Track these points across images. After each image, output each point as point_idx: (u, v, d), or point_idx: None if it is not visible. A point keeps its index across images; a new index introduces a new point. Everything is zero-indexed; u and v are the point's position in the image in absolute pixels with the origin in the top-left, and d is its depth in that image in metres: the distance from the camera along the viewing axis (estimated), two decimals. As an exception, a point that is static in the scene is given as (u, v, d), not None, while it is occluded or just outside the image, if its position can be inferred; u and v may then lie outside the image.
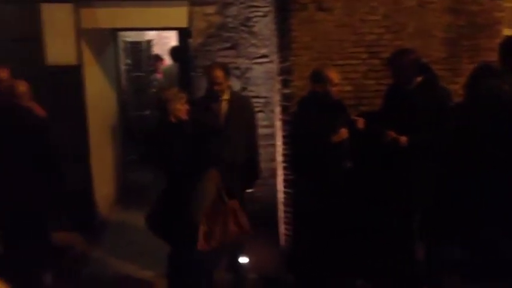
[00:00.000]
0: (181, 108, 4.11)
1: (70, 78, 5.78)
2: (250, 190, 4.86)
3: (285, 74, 4.71)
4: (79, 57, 5.79)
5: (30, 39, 5.72)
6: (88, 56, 6.14)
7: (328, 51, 4.60)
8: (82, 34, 5.81)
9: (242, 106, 4.65)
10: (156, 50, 9.85)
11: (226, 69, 4.58)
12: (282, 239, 5.06)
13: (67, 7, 5.66)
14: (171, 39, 10.93)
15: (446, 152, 4.05)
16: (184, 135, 4.21)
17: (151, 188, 6.26)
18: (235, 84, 5.60)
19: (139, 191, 7.25)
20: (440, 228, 4.29)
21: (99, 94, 6.63)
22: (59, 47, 5.72)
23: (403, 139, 4.01)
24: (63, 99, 5.69)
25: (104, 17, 5.87)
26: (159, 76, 8.96)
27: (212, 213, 4.04)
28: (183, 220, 4.02)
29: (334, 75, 4.22)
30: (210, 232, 3.98)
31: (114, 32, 7.39)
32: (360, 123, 4.22)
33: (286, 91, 4.72)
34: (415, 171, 4.09)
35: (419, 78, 4.10)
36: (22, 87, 4.47)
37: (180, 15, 5.81)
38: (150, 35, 9.84)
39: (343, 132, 4.20)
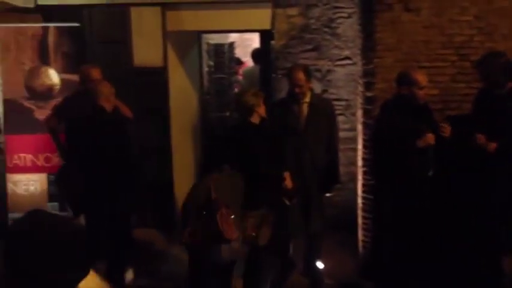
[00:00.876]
0: (263, 107, 4.13)
1: (155, 79, 5.96)
2: (329, 194, 4.78)
3: (368, 76, 4.61)
4: (164, 59, 5.96)
5: (119, 42, 5.95)
6: (173, 58, 6.31)
7: (414, 52, 4.45)
8: (168, 36, 5.98)
9: (323, 109, 4.59)
10: (238, 52, 9.95)
11: (308, 71, 4.53)
12: (360, 245, 4.94)
13: (155, 10, 5.84)
14: (253, 41, 11.02)
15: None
16: (263, 137, 4.22)
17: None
18: (317, 87, 5.53)
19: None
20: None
21: (182, 95, 6.79)
22: (146, 49, 5.92)
23: (492, 146, 3.80)
24: (148, 100, 5.87)
25: (189, 20, 6.01)
26: (240, 78, 9.05)
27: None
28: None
29: (421, 78, 4.06)
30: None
31: (198, 34, 7.55)
32: (447, 131, 4.02)
33: (369, 94, 4.62)
34: (502, 178, 3.86)
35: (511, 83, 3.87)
36: (107, 88, 4.63)
37: (262, 17, 5.83)
38: (233, 37, 9.96)
39: (429, 138, 4.03)
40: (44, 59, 5.72)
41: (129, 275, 4.92)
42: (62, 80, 5.67)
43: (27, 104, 5.69)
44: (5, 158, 5.69)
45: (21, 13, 5.91)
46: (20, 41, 5.72)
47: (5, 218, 5.63)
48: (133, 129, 5.10)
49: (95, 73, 4.81)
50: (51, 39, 5.72)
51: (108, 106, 4.48)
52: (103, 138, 4.42)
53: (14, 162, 5.70)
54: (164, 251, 5.65)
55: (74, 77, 5.64)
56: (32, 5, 5.94)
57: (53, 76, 5.69)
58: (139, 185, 5.09)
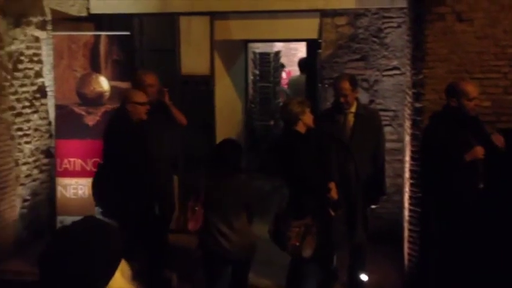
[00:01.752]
0: (309, 116, 4.11)
1: (202, 87, 6.03)
2: (374, 206, 4.71)
3: (418, 86, 4.53)
4: (211, 68, 6.02)
5: (167, 50, 6.07)
6: (219, 67, 6.38)
7: (466, 63, 4.35)
8: (215, 45, 6.04)
9: (369, 119, 4.53)
10: (284, 60, 9.99)
11: (354, 81, 4.49)
12: (406, 258, 4.84)
13: (203, 19, 5.92)
14: (299, 50, 11.06)
15: None
16: (309, 146, 4.20)
17: (274, 198, 6.31)
18: (363, 97, 5.48)
19: (262, 199, 7.33)
20: None
21: (228, 103, 6.85)
22: (193, 57, 6.01)
23: None
24: (194, 108, 5.94)
25: (236, 29, 6.07)
26: (285, 87, 9.08)
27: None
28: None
29: (471, 89, 3.96)
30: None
31: (244, 44, 7.62)
32: (500, 140, 3.91)
33: (418, 105, 4.54)
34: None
35: None
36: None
37: (310, 26, 5.83)
38: (278, 46, 10.01)
39: (478, 151, 3.92)
40: (95, 67, 5.86)
41: (174, 281, 4.96)
42: (112, 87, 5.80)
43: (78, 109, 5.83)
44: (55, 162, 5.86)
45: (75, 22, 6.10)
46: (72, 48, 5.89)
47: (54, 221, 5.79)
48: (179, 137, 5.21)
49: (152, 79, 4.90)
50: (102, 47, 5.86)
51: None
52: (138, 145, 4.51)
53: (64, 166, 5.84)
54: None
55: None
56: (85, 14, 6.13)
57: (103, 83, 5.82)
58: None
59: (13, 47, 5.29)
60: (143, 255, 4.60)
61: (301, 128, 4.15)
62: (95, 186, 4.69)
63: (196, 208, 3.96)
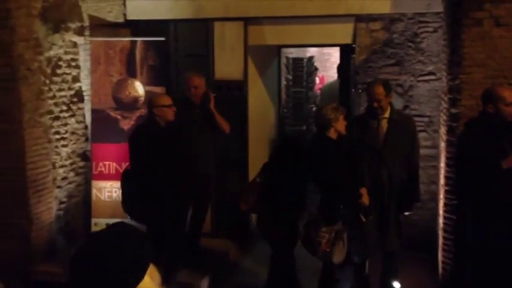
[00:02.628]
0: (342, 123, 4.09)
1: (235, 92, 6.06)
2: (408, 213, 4.65)
3: (454, 92, 4.46)
4: (245, 73, 6.05)
5: (201, 55, 6.12)
6: (253, 72, 6.40)
7: (504, 69, 4.27)
8: (249, 50, 6.07)
9: (403, 125, 4.48)
10: (317, 65, 9.97)
11: (388, 86, 4.45)
12: (440, 266, 4.76)
13: (238, 25, 5.96)
14: (332, 55, 11.02)
15: None
16: (340, 152, 4.18)
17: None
18: (398, 102, 5.42)
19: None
20: None
21: (260, 108, 6.86)
22: (227, 62, 6.05)
23: None
24: (227, 113, 5.97)
25: (270, 34, 6.08)
26: (317, 92, 9.05)
27: None
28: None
29: (508, 94, 3.87)
30: None
31: (278, 49, 7.62)
32: None
33: (454, 111, 4.46)
34: None
35: None
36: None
37: (343, 31, 5.80)
38: (311, 51, 9.98)
39: None
40: (130, 72, 5.97)
41: (204, 284, 5.00)
42: (147, 92, 5.89)
43: (113, 114, 5.94)
44: (91, 165, 5.98)
45: (112, 28, 6.22)
46: (109, 54, 6.01)
47: (88, 223, 5.90)
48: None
49: (199, 81, 5.09)
50: (138, 52, 5.96)
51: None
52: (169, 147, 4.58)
53: (99, 169, 5.96)
54: (238, 262, 5.70)
55: (158, 89, 5.85)
56: (121, 20, 6.24)
57: (139, 88, 5.92)
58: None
59: (52, 53, 5.42)
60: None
61: (333, 134, 4.14)
62: (123, 193, 4.76)
63: None
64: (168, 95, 5.21)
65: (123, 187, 4.75)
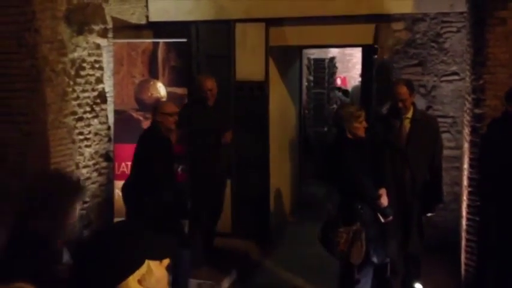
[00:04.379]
0: (359, 127, 4.06)
1: (256, 93, 6.07)
2: (430, 214, 4.60)
3: (478, 92, 4.41)
4: (266, 74, 6.05)
5: (223, 56, 6.14)
6: (274, 73, 6.40)
7: (528, 69, 4.20)
8: (270, 52, 6.07)
9: (426, 125, 4.44)
10: (339, 67, 9.93)
11: (411, 86, 4.42)
12: (463, 268, 4.70)
13: (259, 26, 5.96)
14: (354, 56, 10.98)
15: None
16: (362, 153, 4.15)
17: (326, 203, 6.26)
18: (421, 103, 5.37)
19: (315, 205, 7.31)
20: None
21: (282, 109, 6.86)
22: (249, 63, 6.06)
23: None
24: (248, 114, 5.99)
25: (291, 35, 6.08)
26: (338, 93, 9.02)
27: None
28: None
29: (531, 94, 3.82)
30: None
31: (299, 50, 7.61)
32: None
33: (478, 111, 4.41)
34: None
35: None
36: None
37: (365, 32, 5.77)
38: (333, 52, 9.95)
39: None
40: (152, 73, 6.01)
41: (225, 284, 5.01)
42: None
43: (136, 115, 5.99)
44: (113, 165, 6.04)
45: (134, 29, 6.29)
46: (131, 55, 6.06)
47: (111, 223, 5.96)
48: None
49: (211, 83, 5.16)
50: (160, 54, 6.00)
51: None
52: None
53: (122, 169, 6.01)
54: (258, 262, 5.70)
55: (180, 90, 5.89)
56: (144, 22, 6.30)
57: (161, 89, 5.95)
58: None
59: (76, 54, 5.50)
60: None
61: (352, 135, 4.12)
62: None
63: None
64: (186, 96, 5.26)
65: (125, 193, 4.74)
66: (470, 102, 4.57)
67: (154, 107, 4.77)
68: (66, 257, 5.39)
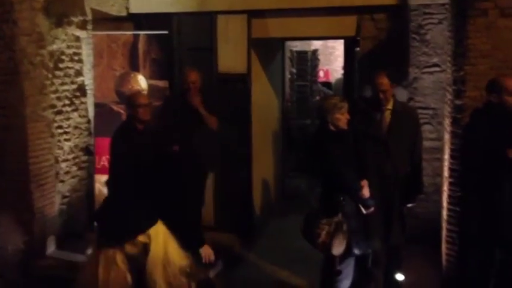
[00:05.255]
0: (341, 118, 4.05)
1: (239, 86, 6.03)
2: (411, 205, 4.62)
3: (458, 83, 4.42)
4: (248, 66, 6.02)
5: (205, 49, 6.09)
6: (256, 65, 6.37)
7: (509, 59, 4.21)
8: (252, 44, 6.04)
9: (407, 117, 4.44)
10: (321, 59, 9.94)
11: (392, 76, 4.41)
12: (444, 258, 4.74)
13: (241, 18, 5.92)
14: (336, 49, 10.99)
15: None
16: (344, 145, 4.15)
17: (309, 196, 6.27)
18: (402, 94, 5.38)
19: (298, 197, 7.32)
20: None
21: (264, 102, 6.84)
22: (231, 56, 6.02)
23: None
24: (231, 106, 5.95)
25: (273, 27, 6.05)
26: (321, 86, 9.03)
27: None
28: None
29: (512, 84, 3.83)
30: None
31: (282, 42, 7.58)
32: None
33: (459, 102, 4.42)
34: None
35: None
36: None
37: (348, 24, 5.76)
38: (316, 44, 9.95)
39: None
40: (133, 65, 5.95)
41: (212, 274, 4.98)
42: (150, 86, 5.87)
43: (116, 108, 5.93)
44: (94, 159, 5.98)
45: (115, 21, 6.21)
46: (112, 47, 5.99)
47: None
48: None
49: (194, 76, 5.12)
50: (141, 46, 5.94)
51: None
52: None
53: (102, 163, 5.94)
54: (242, 256, 5.69)
55: (162, 83, 5.84)
56: (124, 14, 6.23)
57: (142, 82, 5.90)
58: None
59: (54, 46, 5.42)
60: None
61: (334, 127, 4.11)
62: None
63: None
64: (168, 89, 5.17)
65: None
66: (451, 93, 4.58)
67: (127, 99, 4.64)
68: (49, 250, 5.35)
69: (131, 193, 3.91)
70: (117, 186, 4.15)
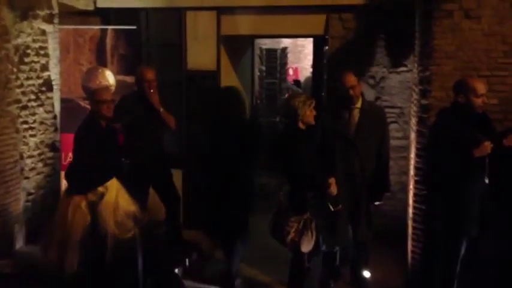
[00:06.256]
0: (310, 114, 4.09)
1: (208, 83, 6.00)
2: (378, 203, 4.69)
3: (424, 83, 4.51)
4: (218, 63, 6.00)
5: (174, 45, 6.05)
6: (225, 62, 6.35)
7: (473, 61, 4.32)
8: (222, 41, 6.02)
9: (374, 116, 4.52)
10: (290, 57, 9.97)
11: (358, 75, 4.49)
12: (410, 255, 4.83)
13: (211, 14, 5.90)
14: (306, 47, 11.04)
15: None
16: (312, 143, 4.18)
17: (277, 193, 6.28)
18: (369, 93, 5.45)
19: (267, 195, 7.32)
20: None
21: (234, 99, 6.81)
22: (200, 52, 5.99)
23: None
24: (200, 102, 5.93)
25: (243, 24, 6.03)
26: (290, 83, 9.07)
27: None
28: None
29: (479, 86, 3.92)
30: None
31: (251, 39, 7.58)
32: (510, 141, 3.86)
33: (424, 102, 4.51)
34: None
35: None
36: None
37: (317, 22, 5.80)
38: (285, 42, 9.98)
39: (487, 146, 3.88)
40: (101, 61, 5.87)
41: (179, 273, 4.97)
42: (118, 81, 5.80)
43: (83, 103, 5.84)
44: (60, 155, 5.88)
45: (81, 16, 6.10)
46: (78, 42, 5.90)
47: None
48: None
49: (150, 74, 4.90)
50: (108, 41, 5.86)
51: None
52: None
53: (69, 160, 5.86)
54: (211, 254, 5.68)
55: (130, 79, 5.76)
56: (91, 8, 6.12)
57: (110, 77, 5.81)
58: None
59: (19, 40, 5.30)
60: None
61: (301, 124, 4.14)
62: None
63: None
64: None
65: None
66: (417, 93, 4.67)
67: (90, 95, 4.59)
68: (18, 244, 5.26)
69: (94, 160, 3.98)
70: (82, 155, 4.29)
